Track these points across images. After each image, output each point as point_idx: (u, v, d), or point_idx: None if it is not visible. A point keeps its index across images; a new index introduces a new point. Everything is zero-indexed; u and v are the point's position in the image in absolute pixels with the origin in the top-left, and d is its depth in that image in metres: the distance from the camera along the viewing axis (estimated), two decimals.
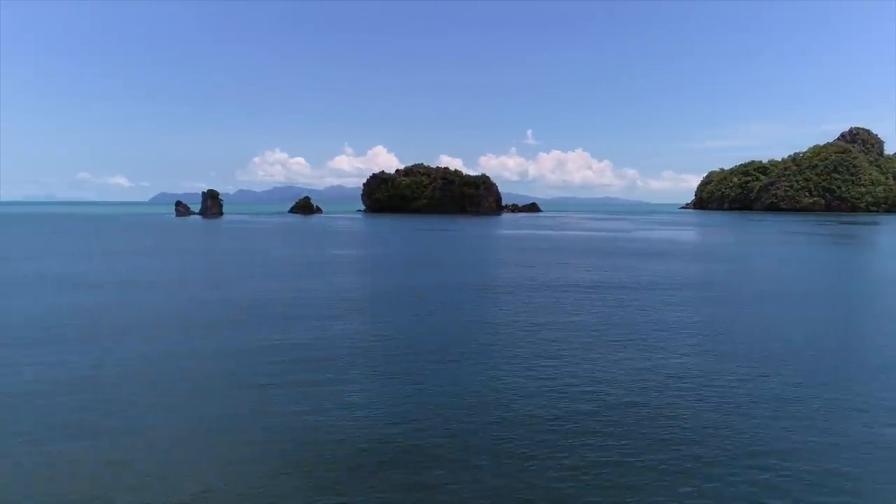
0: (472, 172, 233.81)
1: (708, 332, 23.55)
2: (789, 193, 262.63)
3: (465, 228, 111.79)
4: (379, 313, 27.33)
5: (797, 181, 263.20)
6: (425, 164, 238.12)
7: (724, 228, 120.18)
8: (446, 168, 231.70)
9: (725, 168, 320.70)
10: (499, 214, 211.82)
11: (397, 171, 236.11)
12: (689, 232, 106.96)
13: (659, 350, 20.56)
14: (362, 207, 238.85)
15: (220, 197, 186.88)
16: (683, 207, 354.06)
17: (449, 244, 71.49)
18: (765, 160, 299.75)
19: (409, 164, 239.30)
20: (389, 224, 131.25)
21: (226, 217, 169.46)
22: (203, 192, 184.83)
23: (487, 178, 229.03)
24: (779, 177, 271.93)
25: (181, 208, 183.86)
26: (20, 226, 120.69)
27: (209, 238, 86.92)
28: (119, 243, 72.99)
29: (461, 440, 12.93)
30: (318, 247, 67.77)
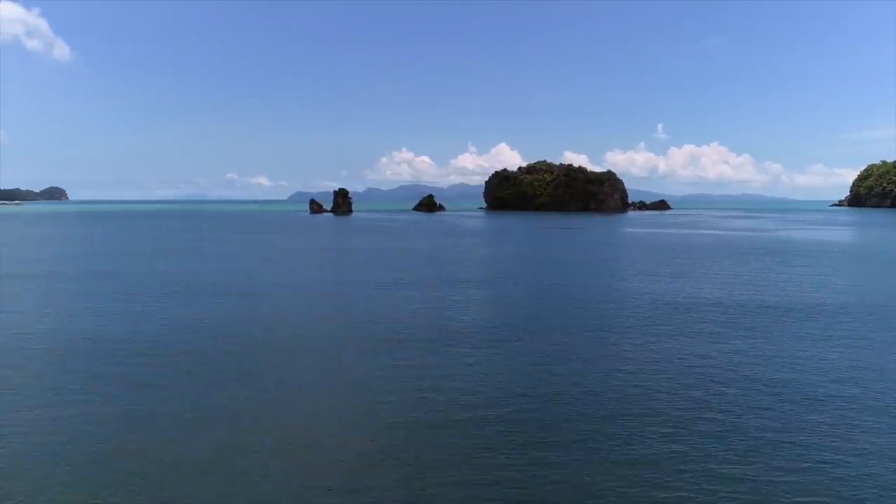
0: (597, 169, 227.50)
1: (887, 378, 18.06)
2: None
3: (587, 227, 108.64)
4: (505, 330, 27.04)
5: None
6: (548, 160, 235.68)
7: (891, 229, 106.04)
8: (570, 165, 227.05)
9: (888, 161, 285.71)
10: (624, 212, 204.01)
11: (519, 168, 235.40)
12: (847, 232, 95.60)
13: (820, 403, 15.46)
14: (484, 205, 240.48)
15: (349, 195, 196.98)
16: (835, 205, 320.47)
17: (570, 244, 69.71)
18: None
19: (533, 160, 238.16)
20: (511, 223, 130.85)
21: (354, 214, 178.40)
22: (334, 191, 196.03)
23: (613, 174, 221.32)
24: None
25: (315, 206, 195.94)
26: (204, 221, 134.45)
27: (340, 235, 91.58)
28: (270, 239, 79.17)
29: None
30: (445, 247, 69.01)
